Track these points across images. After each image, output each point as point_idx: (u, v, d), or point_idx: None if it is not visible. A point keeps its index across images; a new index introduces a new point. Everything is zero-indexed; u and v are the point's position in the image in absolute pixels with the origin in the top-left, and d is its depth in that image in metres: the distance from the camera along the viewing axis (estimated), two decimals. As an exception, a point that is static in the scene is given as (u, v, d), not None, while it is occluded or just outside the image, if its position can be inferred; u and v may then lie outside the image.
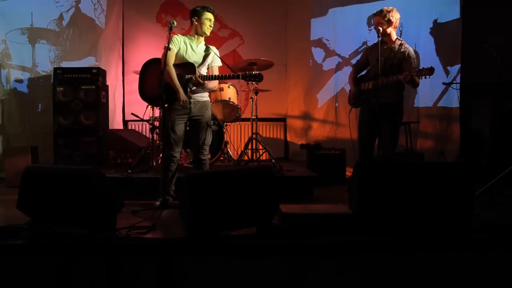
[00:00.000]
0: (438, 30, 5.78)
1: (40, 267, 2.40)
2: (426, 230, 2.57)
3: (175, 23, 3.44)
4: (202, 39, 3.65)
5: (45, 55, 5.66)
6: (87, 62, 5.74)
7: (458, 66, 5.72)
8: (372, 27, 5.60)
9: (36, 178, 2.71)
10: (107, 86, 5.63)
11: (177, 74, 3.48)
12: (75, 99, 5.18)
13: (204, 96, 3.66)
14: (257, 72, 3.57)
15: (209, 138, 3.65)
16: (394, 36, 3.77)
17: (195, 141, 3.65)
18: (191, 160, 4.45)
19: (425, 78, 3.55)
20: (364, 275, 2.46)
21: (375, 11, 3.80)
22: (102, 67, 5.59)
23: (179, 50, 3.54)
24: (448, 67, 5.78)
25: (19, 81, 5.61)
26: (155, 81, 3.54)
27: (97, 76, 5.25)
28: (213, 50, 3.70)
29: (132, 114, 4.88)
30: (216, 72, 3.68)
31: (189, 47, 3.58)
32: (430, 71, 3.44)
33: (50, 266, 2.39)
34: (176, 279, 2.39)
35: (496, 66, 4.05)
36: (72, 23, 5.76)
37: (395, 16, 3.72)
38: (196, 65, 3.53)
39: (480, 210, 3.11)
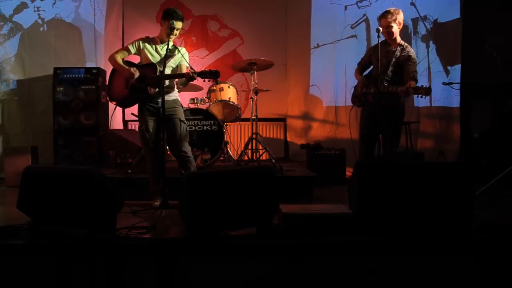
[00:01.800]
0: (438, 30, 5.78)
1: (40, 267, 2.40)
2: (426, 230, 2.57)
3: (175, 23, 3.44)
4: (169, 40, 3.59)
5: (45, 60, 5.65)
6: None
7: (458, 66, 5.72)
8: (373, 29, 5.60)
9: (36, 178, 2.71)
10: (107, 86, 5.63)
11: (140, 75, 3.49)
12: (75, 99, 5.19)
13: (172, 96, 3.66)
14: (214, 69, 3.50)
15: (185, 133, 3.61)
16: (399, 38, 3.77)
17: (172, 138, 3.59)
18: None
19: (421, 97, 3.56)
20: (364, 275, 2.46)
21: (381, 13, 3.79)
22: (102, 67, 5.59)
23: (140, 52, 3.58)
24: (448, 67, 5.78)
25: (19, 81, 5.61)
26: (122, 83, 3.58)
27: (97, 76, 5.26)
28: (181, 51, 3.66)
29: (132, 114, 4.88)
30: (184, 69, 3.68)
31: (153, 49, 3.59)
32: (426, 92, 3.46)
33: (50, 266, 2.39)
34: (176, 279, 2.39)
35: (496, 66, 4.05)
36: (72, 27, 5.76)
37: (402, 17, 3.73)
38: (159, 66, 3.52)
39: (480, 210, 3.11)
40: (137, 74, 3.47)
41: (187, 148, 3.62)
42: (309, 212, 2.72)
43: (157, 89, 3.49)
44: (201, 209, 2.47)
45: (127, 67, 3.51)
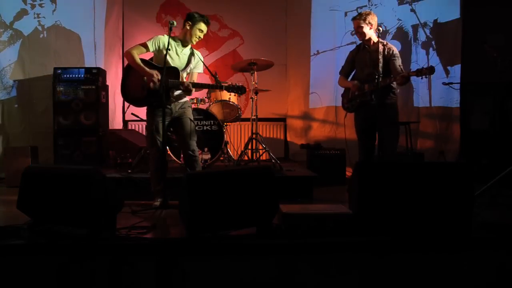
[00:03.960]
0: (438, 30, 5.78)
1: (40, 267, 2.40)
2: (426, 230, 2.57)
3: (175, 23, 3.44)
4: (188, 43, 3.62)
5: (45, 60, 5.66)
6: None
7: (458, 66, 5.72)
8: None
9: (36, 178, 2.71)
10: (107, 86, 5.63)
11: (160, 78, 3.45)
12: (75, 99, 5.19)
13: (184, 98, 3.68)
14: (241, 84, 3.58)
15: (194, 133, 3.63)
16: (374, 38, 3.83)
17: (181, 137, 3.63)
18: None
19: (425, 77, 3.59)
20: (364, 275, 2.46)
21: (354, 16, 3.90)
22: (102, 67, 5.59)
23: (159, 52, 3.51)
24: (448, 67, 5.78)
25: (19, 81, 5.61)
26: (138, 82, 3.53)
27: (97, 76, 5.26)
28: (198, 55, 3.69)
29: (132, 114, 4.88)
30: (195, 78, 3.70)
31: (174, 51, 3.57)
32: (430, 70, 3.49)
33: (50, 266, 2.39)
34: (176, 279, 2.39)
35: (496, 66, 4.05)
36: (72, 34, 5.78)
37: (374, 19, 3.82)
38: (179, 70, 3.52)
39: (480, 210, 3.11)
40: (157, 79, 3.42)
41: (195, 147, 3.64)
42: (309, 212, 2.72)
43: (176, 93, 3.53)
44: (201, 209, 2.47)
45: (148, 70, 3.42)
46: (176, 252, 2.42)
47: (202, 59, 3.74)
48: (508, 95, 4.93)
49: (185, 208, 2.54)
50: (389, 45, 3.82)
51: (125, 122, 6.10)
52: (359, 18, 3.79)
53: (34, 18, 5.68)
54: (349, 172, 4.79)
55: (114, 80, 5.92)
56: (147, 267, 2.40)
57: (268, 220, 2.62)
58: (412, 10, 5.80)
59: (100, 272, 2.39)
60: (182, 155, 4.51)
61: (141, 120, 4.84)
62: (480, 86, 5.31)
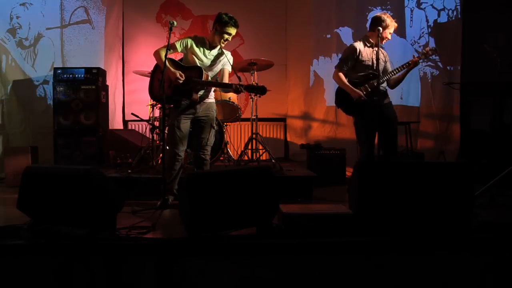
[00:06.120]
0: (438, 30, 5.79)
1: (40, 267, 2.40)
2: (426, 230, 2.57)
3: (175, 23, 3.44)
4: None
5: (46, 60, 5.68)
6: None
7: (458, 66, 5.72)
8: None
9: (36, 178, 2.71)
10: (107, 86, 5.63)
11: (186, 78, 3.44)
12: (75, 99, 5.19)
13: (210, 98, 3.68)
14: (262, 84, 3.52)
15: (211, 139, 3.66)
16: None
17: (197, 141, 3.64)
18: (191, 160, 4.45)
19: (434, 56, 3.65)
20: (364, 275, 2.46)
21: (391, 18, 3.75)
22: (102, 67, 5.59)
23: (188, 52, 3.53)
24: (448, 67, 5.78)
25: (20, 81, 5.62)
26: (164, 81, 3.51)
27: (97, 76, 5.26)
28: (227, 56, 3.66)
29: (132, 114, 4.88)
30: (226, 74, 3.68)
31: (201, 52, 3.56)
32: (434, 50, 3.69)
33: (50, 266, 2.39)
34: (176, 279, 2.39)
35: (496, 66, 4.05)
36: (72, 37, 5.81)
37: None
38: (203, 69, 3.51)
39: (480, 210, 3.11)
40: (182, 79, 3.42)
41: (208, 152, 3.66)
42: (309, 212, 2.72)
43: (199, 94, 3.51)
44: (201, 209, 2.47)
45: (172, 70, 3.42)
46: (176, 252, 2.42)
47: (231, 60, 3.70)
48: (508, 95, 4.93)
49: (185, 208, 2.54)
50: (383, 49, 3.84)
51: (125, 122, 6.10)
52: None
53: (35, 23, 5.70)
54: (349, 172, 4.80)
55: (114, 80, 5.92)
56: (147, 267, 2.40)
57: (268, 220, 2.62)
58: (412, 14, 5.80)
59: (100, 272, 2.39)
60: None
61: (141, 120, 4.84)
62: (480, 86, 5.32)
